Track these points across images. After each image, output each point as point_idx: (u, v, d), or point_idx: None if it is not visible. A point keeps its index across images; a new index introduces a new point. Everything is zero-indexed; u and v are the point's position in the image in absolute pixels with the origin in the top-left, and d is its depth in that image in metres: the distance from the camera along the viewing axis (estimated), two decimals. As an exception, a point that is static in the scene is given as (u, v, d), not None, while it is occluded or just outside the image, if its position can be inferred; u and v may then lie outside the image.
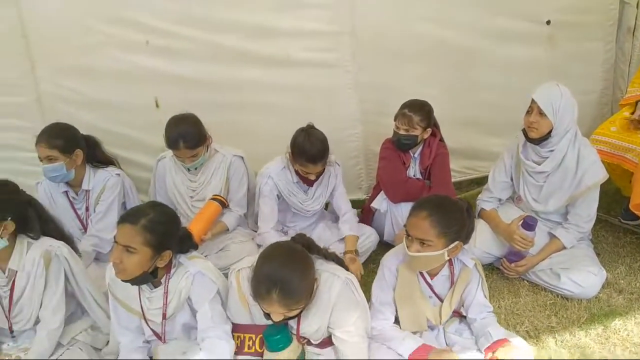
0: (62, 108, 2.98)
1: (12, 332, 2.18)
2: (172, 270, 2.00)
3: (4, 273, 2.09)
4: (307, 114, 3.08)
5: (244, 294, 1.97)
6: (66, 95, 2.99)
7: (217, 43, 2.95)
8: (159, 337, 2.09)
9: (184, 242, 2.02)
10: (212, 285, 2.00)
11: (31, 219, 2.11)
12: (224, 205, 2.79)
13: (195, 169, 2.80)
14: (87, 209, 2.71)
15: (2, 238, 2.01)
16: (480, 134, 3.50)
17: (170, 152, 2.85)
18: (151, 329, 2.07)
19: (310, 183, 2.77)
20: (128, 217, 1.90)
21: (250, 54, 2.98)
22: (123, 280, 1.90)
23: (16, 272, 2.09)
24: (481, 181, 3.41)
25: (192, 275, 1.98)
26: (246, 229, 2.97)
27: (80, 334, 2.25)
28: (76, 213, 2.72)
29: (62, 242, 2.17)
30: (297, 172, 2.71)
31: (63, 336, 2.18)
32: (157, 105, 3.04)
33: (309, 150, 2.56)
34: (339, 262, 2.05)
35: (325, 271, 1.96)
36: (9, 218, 2.02)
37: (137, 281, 1.92)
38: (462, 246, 2.07)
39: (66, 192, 2.69)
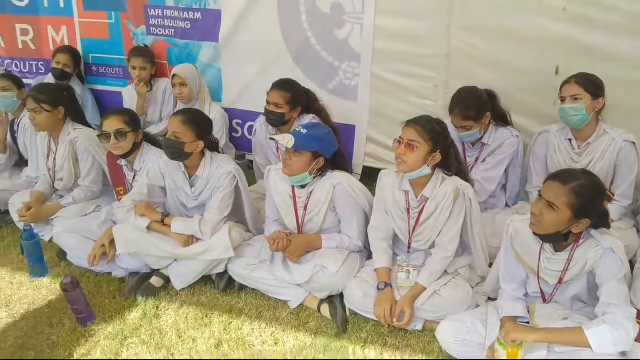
0: (465, 64, 3.22)
1: (409, 248, 2.58)
2: (581, 240, 2.03)
3: (417, 198, 2.46)
4: None
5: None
6: (472, 52, 3.20)
7: (641, 16, 2.73)
8: (543, 297, 2.18)
9: (601, 218, 2.01)
10: (621, 264, 1.96)
11: (451, 158, 2.41)
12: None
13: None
14: (476, 160, 2.96)
15: (428, 166, 2.35)
16: None
17: (555, 127, 2.86)
18: (540, 288, 2.17)
19: None
20: (560, 175, 1.98)
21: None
22: (534, 233, 2.02)
23: (427, 199, 2.44)
24: None
25: (603, 249, 1.98)
26: (629, 217, 2.79)
27: (462, 268, 2.53)
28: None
29: (468, 185, 2.43)
30: None
31: (450, 266, 2.49)
32: (556, 73, 3.02)
33: None
34: None
35: None
36: (438, 150, 2.34)
37: (547, 238, 2.02)
38: None
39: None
